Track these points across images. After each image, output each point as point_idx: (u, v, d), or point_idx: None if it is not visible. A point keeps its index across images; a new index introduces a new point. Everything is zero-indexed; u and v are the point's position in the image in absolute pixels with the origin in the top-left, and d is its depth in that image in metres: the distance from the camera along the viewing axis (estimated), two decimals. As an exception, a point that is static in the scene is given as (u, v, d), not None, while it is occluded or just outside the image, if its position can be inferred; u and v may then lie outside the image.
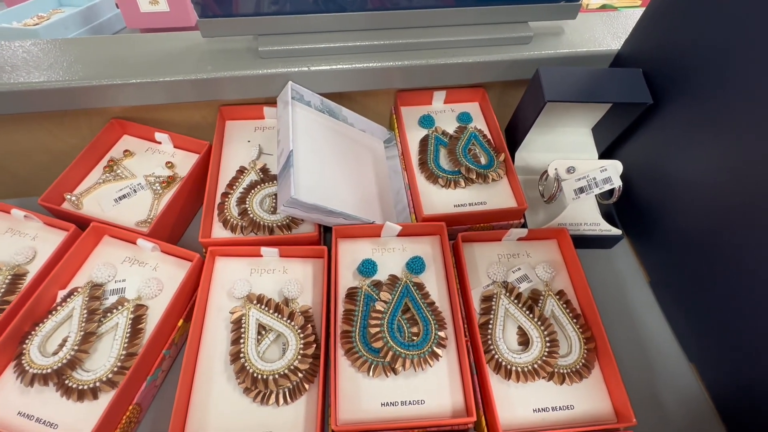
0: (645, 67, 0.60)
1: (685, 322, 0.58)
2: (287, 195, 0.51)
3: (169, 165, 0.65)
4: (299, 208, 0.53)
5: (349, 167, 0.64)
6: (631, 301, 0.62)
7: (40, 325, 0.49)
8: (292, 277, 0.55)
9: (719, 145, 0.52)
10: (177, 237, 0.65)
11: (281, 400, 0.47)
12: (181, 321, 0.53)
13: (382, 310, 0.51)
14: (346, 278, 0.55)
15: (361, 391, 0.47)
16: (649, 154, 0.63)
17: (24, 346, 0.48)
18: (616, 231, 0.63)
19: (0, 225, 0.57)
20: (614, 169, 0.59)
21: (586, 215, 0.62)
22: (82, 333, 0.48)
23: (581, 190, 0.58)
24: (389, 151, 0.73)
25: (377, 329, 0.50)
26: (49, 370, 0.46)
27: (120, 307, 0.51)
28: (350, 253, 0.57)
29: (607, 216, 0.65)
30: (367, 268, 0.55)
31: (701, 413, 0.53)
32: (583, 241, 0.63)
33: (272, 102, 0.67)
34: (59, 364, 0.46)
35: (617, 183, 0.59)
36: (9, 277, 0.52)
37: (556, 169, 0.60)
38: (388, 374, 0.48)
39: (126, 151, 0.66)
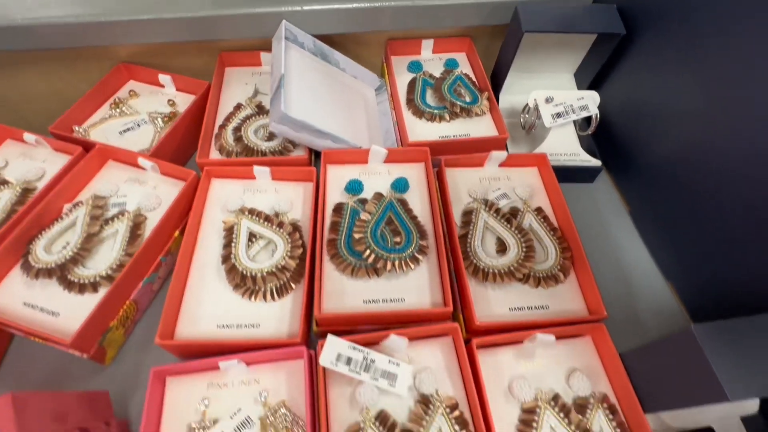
0: (620, 4, 0.63)
1: (661, 246, 0.60)
2: (278, 112, 0.54)
3: (171, 103, 0.68)
4: (289, 126, 0.56)
5: (340, 104, 0.67)
6: (612, 229, 0.64)
7: (46, 230, 0.52)
8: (283, 197, 0.58)
9: (692, 75, 0.54)
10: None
11: (269, 297, 0.50)
12: (177, 233, 0.56)
13: (366, 219, 0.54)
14: (334, 196, 0.57)
15: (345, 290, 0.50)
16: (626, 89, 0.65)
17: (30, 245, 0.51)
18: (595, 162, 0.65)
19: (12, 150, 0.61)
20: (591, 98, 0.62)
21: (565, 146, 0.64)
22: (84, 235, 0.51)
23: (558, 115, 0.61)
24: (380, 97, 0.76)
25: (361, 235, 0.52)
26: (53, 265, 0.49)
27: (121, 217, 0.54)
28: (338, 177, 0.59)
29: (589, 152, 0.67)
30: (353, 186, 0.57)
31: (674, 317, 0.56)
32: (564, 173, 0.65)
33: (268, 47, 0.71)
34: (62, 260, 0.49)
35: (594, 111, 0.61)
36: (19, 190, 0.56)
37: (535, 99, 0.62)
38: (371, 275, 0.51)
39: (131, 91, 0.70)
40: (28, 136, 0.60)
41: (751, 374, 0.33)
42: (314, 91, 0.64)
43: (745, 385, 0.32)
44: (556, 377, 0.46)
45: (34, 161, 0.60)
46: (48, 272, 0.49)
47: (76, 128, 0.64)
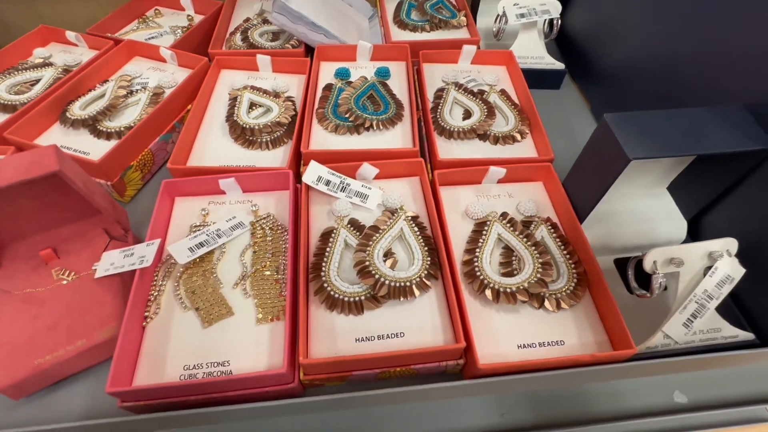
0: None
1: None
2: (278, 2, 0.63)
3: (190, 18, 0.78)
4: (287, 16, 0.64)
5: (336, 18, 0.75)
6: (574, 122, 0.69)
7: (82, 96, 0.61)
8: (280, 83, 0.66)
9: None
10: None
11: (264, 146, 0.57)
12: (190, 106, 0.64)
13: (351, 92, 0.61)
14: (324, 81, 0.65)
15: (328, 144, 0.57)
16: (587, 4, 0.72)
17: (68, 106, 0.59)
18: (559, 65, 0.71)
19: (54, 47, 0.71)
20: (553, 4, 0.69)
21: (531, 49, 0.71)
22: (112, 97, 0.60)
23: (522, 15, 0.68)
24: (372, 24, 0.84)
25: (344, 101, 0.59)
26: (86, 117, 0.57)
27: (143, 90, 0.63)
28: (329, 70, 0.67)
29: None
30: (342, 71, 0.65)
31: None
32: (533, 78, 0.70)
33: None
34: (94, 113, 0.58)
35: (555, 15, 0.68)
36: (60, 70, 0.65)
37: (503, 6, 0.70)
38: (352, 133, 0.58)
39: (156, 10, 0.80)
40: (70, 34, 0.69)
41: (648, 140, 0.39)
42: (313, 6, 0.73)
43: (642, 147, 0.38)
44: (508, 207, 0.51)
45: (74, 55, 0.69)
46: (82, 122, 0.57)
47: (109, 35, 0.73)
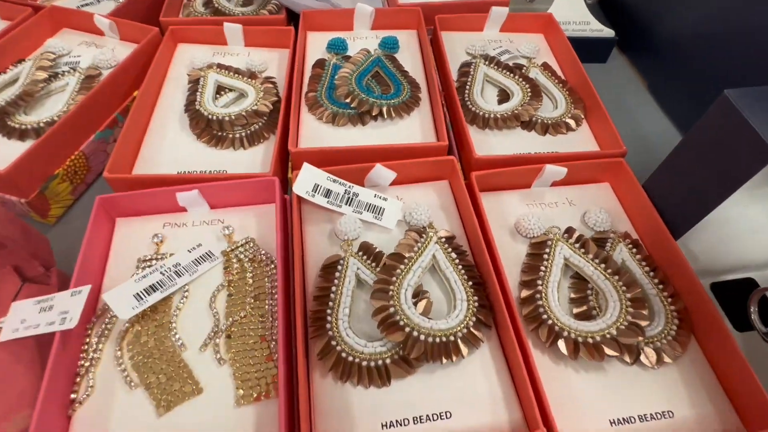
0: None
1: (684, 115, 0.57)
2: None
3: (136, -20, 0.66)
4: (263, -28, 0.53)
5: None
6: (630, 103, 0.61)
7: (-13, 82, 0.49)
8: (256, 58, 0.55)
9: None
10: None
11: (237, 144, 0.46)
12: (136, 92, 0.52)
13: (350, 70, 0.51)
14: (313, 57, 0.55)
15: (324, 140, 0.47)
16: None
17: (-33, 95, 0.48)
18: (608, 31, 0.62)
19: (-45, 19, 0.59)
20: (601, -44, 0.59)
21: (574, 13, 0.62)
22: (28, 82, 0.48)
23: (564, -31, 0.58)
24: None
25: (343, 84, 0.49)
26: (-8, 111, 0.46)
27: (72, 71, 0.51)
28: (319, 43, 0.57)
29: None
30: (336, 43, 0.54)
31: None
32: (575, 48, 0.62)
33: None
34: (2, 103, 0.46)
35: (603, -32, 0.59)
36: (-42, 48, 0.53)
37: (539, -41, 0.60)
38: (355, 125, 0.48)
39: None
40: (-28, -1, 0.57)
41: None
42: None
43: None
44: (571, 220, 0.42)
45: (-21, 26, 0.57)
46: (-16, 117, 0.46)
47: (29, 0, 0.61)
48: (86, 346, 0.34)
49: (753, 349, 0.37)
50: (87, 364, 0.33)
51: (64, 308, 0.33)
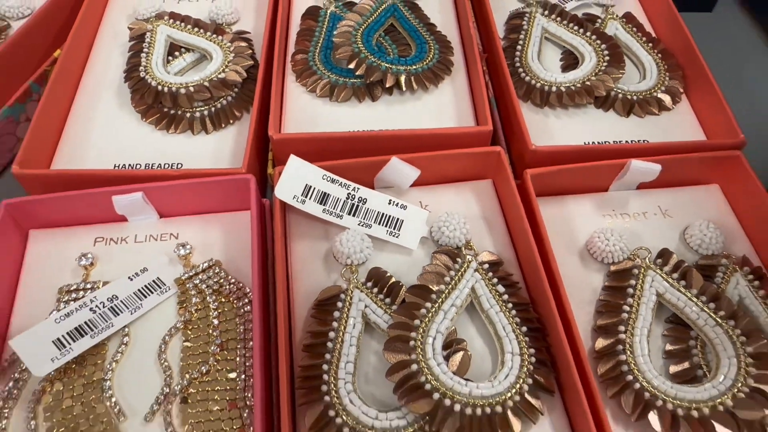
0: None
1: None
2: None
3: None
4: None
5: None
6: (748, 67, 0.61)
7: None
8: (223, 5, 0.55)
9: None
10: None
11: (197, 126, 0.47)
12: (58, 52, 0.53)
13: (355, 22, 0.51)
14: (304, 5, 0.55)
15: (318, 122, 0.47)
16: None
17: None
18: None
19: None
20: None
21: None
22: None
23: None
24: None
25: (343, 39, 0.49)
26: None
27: (-31, 24, 0.52)
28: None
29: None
30: (334, -17, 0.55)
31: None
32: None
33: None
34: None
35: None
36: None
37: None
38: (361, 99, 0.48)
39: None
40: None
41: None
42: None
43: None
44: (664, 237, 0.43)
45: None
46: None
47: None
48: (-16, 413, 0.34)
49: None
50: (-13, 436, 0.33)
51: (-44, 359, 0.33)
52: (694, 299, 0.38)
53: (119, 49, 0.53)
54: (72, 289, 0.39)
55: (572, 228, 0.43)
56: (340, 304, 0.37)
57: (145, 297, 0.38)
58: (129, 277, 0.39)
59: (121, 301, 0.38)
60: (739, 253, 0.42)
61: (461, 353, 0.35)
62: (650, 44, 0.52)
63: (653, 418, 0.34)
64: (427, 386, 0.33)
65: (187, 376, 0.35)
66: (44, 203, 0.41)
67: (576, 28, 0.53)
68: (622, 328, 0.37)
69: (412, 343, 0.35)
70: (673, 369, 0.37)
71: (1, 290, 0.39)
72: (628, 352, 0.36)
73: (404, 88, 0.48)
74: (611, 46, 0.51)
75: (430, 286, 0.37)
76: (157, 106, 0.47)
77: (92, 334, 0.36)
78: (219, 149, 0.47)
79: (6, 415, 0.34)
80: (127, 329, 0.38)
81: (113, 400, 0.35)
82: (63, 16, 0.54)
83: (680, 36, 0.52)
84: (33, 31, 0.52)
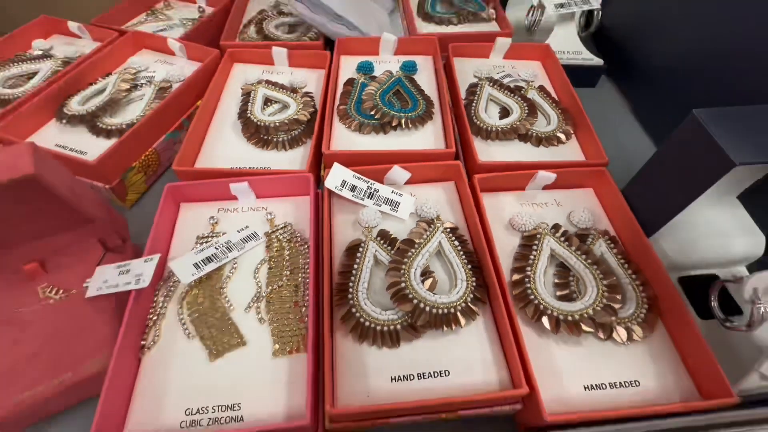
0: None
1: (660, 133, 0.57)
2: (297, -13, 0.54)
3: (201, 10, 0.69)
4: (307, 5, 0.55)
5: (357, 12, 0.66)
6: (614, 121, 0.60)
7: (81, 91, 0.52)
8: (298, 77, 0.57)
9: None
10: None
11: (280, 147, 0.48)
12: (199, 102, 0.55)
13: (375, 88, 0.52)
14: (345, 77, 0.56)
15: (352, 144, 0.48)
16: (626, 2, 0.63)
17: (66, 101, 0.51)
18: (597, 60, 0.62)
19: (57, 40, 0.62)
20: (594, -5, 0.59)
21: (568, 44, 0.62)
22: (114, 90, 0.51)
23: (561, 5, 0.58)
24: (393, 20, 0.75)
25: (369, 99, 0.50)
26: (84, 113, 0.49)
27: (148, 84, 0.54)
28: (350, 65, 0.58)
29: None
30: (365, 65, 0.56)
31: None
32: (568, 75, 0.62)
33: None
34: (93, 109, 0.49)
35: (596, 6, 0.59)
36: (60, 63, 0.56)
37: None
38: (378, 133, 0.49)
39: (166, 2, 0.71)
40: (72, 24, 0.61)
41: (753, 141, 0.29)
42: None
43: (749, 149, 0.29)
44: (557, 218, 0.42)
45: (76, 47, 0.60)
46: (80, 118, 0.49)
47: (114, 27, 0.64)
48: (154, 304, 0.36)
49: (713, 334, 0.37)
50: (154, 318, 0.35)
51: (138, 271, 0.35)
52: (573, 253, 0.38)
53: (235, 101, 0.53)
54: (204, 236, 0.40)
55: (501, 211, 0.43)
56: (360, 249, 0.38)
57: (247, 242, 0.39)
58: (237, 231, 0.40)
59: (233, 243, 0.39)
60: (603, 229, 0.41)
61: (431, 279, 0.36)
62: (554, 104, 0.52)
63: (545, 320, 0.34)
64: (410, 296, 0.34)
65: (270, 287, 0.37)
66: (190, 187, 0.42)
67: (509, 93, 0.52)
68: (528, 269, 0.37)
69: (402, 271, 0.35)
70: (558, 293, 0.37)
71: (165, 236, 0.40)
72: (531, 283, 0.36)
73: (404, 127, 0.48)
74: (530, 104, 0.50)
75: (414, 240, 0.38)
76: (257, 134, 0.48)
77: (215, 261, 0.37)
78: (292, 160, 0.47)
79: (165, 306, 0.36)
80: (235, 260, 0.39)
81: (226, 298, 0.36)
82: (202, 81, 0.54)
83: (572, 100, 0.51)
84: (185, 89, 0.53)
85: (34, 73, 0.55)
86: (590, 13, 0.63)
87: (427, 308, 0.33)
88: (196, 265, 0.37)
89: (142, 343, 0.34)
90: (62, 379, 0.33)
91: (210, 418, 0.30)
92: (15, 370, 0.34)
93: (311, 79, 0.57)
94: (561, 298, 0.36)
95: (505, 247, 0.40)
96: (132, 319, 0.33)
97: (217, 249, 0.38)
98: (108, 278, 0.36)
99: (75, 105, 0.50)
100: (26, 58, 0.56)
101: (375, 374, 0.32)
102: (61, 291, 0.38)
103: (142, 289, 0.34)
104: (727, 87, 0.46)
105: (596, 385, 0.32)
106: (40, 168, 0.30)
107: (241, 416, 0.31)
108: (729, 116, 0.31)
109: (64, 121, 0.49)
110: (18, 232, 0.38)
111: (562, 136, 0.48)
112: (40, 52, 0.58)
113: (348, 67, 0.58)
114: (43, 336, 0.35)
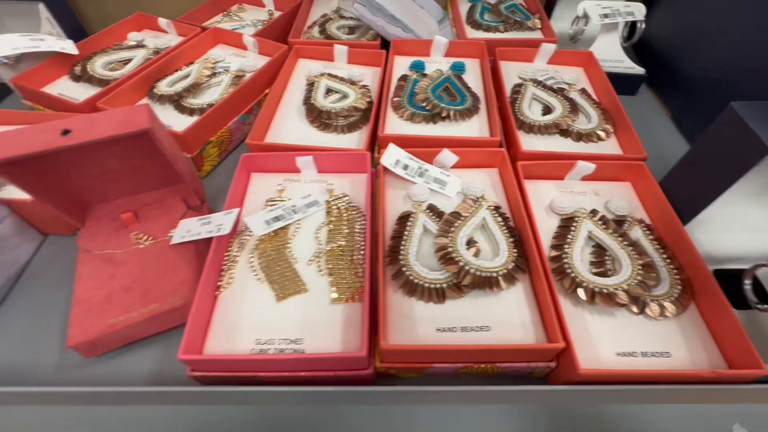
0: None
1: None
2: (361, -8, 0.59)
3: (270, 13, 0.76)
4: (368, 7, 0.60)
5: (411, 17, 0.71)
6: (654, 129, 0.62)
7: (168, 75, 0.59)
8: (355, 72, 0.62)
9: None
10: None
11: (340, 130, 0.53)
12: (268, 90, 0.61)
13: (427, 83, 0.56)
14: (398, 74, 0.60)
15: (404, 132, 0.52)
16: (671, 12, 0.65)
17: (156, 83, 0.58)
18: (639, 69, 0.64)
19: (147, 33, 0.70)
20: (638, 8, 0.62)
21: (610, 53, 0.64)
22: (197, 76, 0.58)
23: (606, 15, 0.61)
24: (442, 29, 0.79)
25: (421, 91, 0.55)
26: (172, 93, 0.55)
27: (225, 72, 0.60)
28: (403, 65, 0.63)
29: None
30: (417, 64, 0.60)
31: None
32: (610, 81, 0.65)
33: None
34: (179, 90, 0.56)
35: (639, 18, 0.61)
36: (152, 51, 0.63)
37: (584, 7, 0.63)
38: (428, 122, 0.53)
39: (240, 6, 0.78)
40: (162, 20, 0.68)
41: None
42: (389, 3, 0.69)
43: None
44: (595, 206, 0.44)
45: (164, 39, 0.68)
46: (168, 98, 0.55)
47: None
48: (227, 253, 0.41)
49: (744, 322, 0.38)
50: (228, 264, 0.40)
51: (219, 222, 0.40)
52: (610, 235, 0.40)
53: (298, 90, 0.58)
54: (272, 200, 0.45)
55: (541, 196, 0.45)
56: (411, 218, 0.42)
57: (309, 208, 0.44)
58: (301, 197, 0.45)
59: (297, 207, 0.43)
60: (638, 217, 0.43)
61: (475, 248, 0.39)
62: (595, 105, 0.54)
63: (580, 291, 0.36)
64: (457, 258, 0.37)
65: (330, 246, 0.41)
66: (260, 158, 0.47)
67: (551, 92, 0.55)
68: (566, 246, 0.40)
69: (449, 237, 0.39)
70: (594, 270, 0.38)
71: (238, 198, 0.45)
72: (569, 257, 0.39)
73: (452, 118, 0.52)
74: (571, 103, 0.53)
75: (461, 213, 0.42)
76: (319, 118, 0.53)
77: (282, 221, 0.42)
78: (349, 142, 0.51)
79: (238, 254, 0.40)
80: (299, 222, 0.43)
81: (291, 252, 0.40)
82: (272, 72, 0.60)
83: (613, 102, 0.53)
84: (257, 78, 0.58)
85: (129, 60, 0.62)
86: (633, 24, 0.65)
87: (472, 270, 0.36)
88: (267, 222, 0.41)
89: (218, 283, 0.39)
90: (150, 308, 0.38)
91: (276, 348, 0.34)
92: (111, 298, 0.39)
93: (367, 75, 0.62)
94: (596, 275, 0.38)
95: (544, 228, 0.42)
96: (212, 262, 0.38)
97: (284, 211, 0.43)
98: (191, 228, 0.41)
99: (164, 87, 0.57)
100: (123, 47, 0.64)
101: (422, 324, 0.35)
102: (150, 238, 0.43)
103: (220, 237, 0.39)
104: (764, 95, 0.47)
105: (628, 352, 0.34)
106: (153, 125, 0.36)
107: (303, 350, 0.34)
108: (765, 108, 0.33)
109: (154, 100, 0.55)
110: (119, 187, 0.44)
111: (602, 134, 0.51)
112: (134, 43, 0.66)
113: (400, 65, 0.62)
114: (134, 273, 0.41)
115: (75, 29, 0.69)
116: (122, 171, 0.43)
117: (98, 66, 0.60)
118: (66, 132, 0.35)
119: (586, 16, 0.63)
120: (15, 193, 0.45)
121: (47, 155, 0.35)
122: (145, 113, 0.36)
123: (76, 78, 0.60)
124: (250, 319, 0.36)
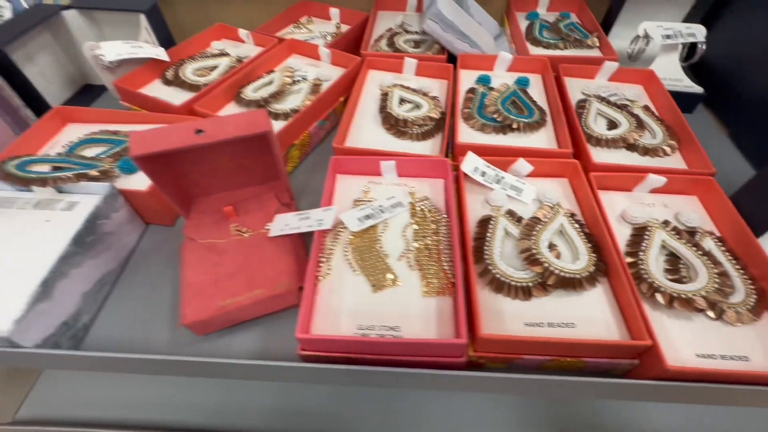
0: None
1: (759, 158, 0.59)
2: (434, 9, 0.63)
3: (337, 26, 0.81)
4: (440, 24, 0.64)
5: (474, 34, 0.75)
6: (712, 146, 0.62)
7: (252, 82, 0.64)
8: (424, 84, 0.65)
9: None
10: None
11: (414, 138, 0.56)
12: (342, 98, 0.65)
13: (495, 96, 0.59)
14: (465, 87, 0.64)
15: (474, 139, 0.55)
16: (729, 33, 0.67)
17: (242, 89, 0.62)
18: (697, 88, 0.66)
19: (226, 43, 0.75)
20: (698, 29, 0.64)
21: (670, 72, 0.66)
22: (280, 83, 0.62)
23: (668, 36, 0.63)
24: (498, 43, 0.83)
25: (490, 103, 0.58)
26: (258, 99, 0.60)
27: (304, 80, 0.65)
28: (469, 78, 0.66)
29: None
30: (483, 78, 0.64)
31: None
32: (666, 100, 0.67)
33: (414, -5, 0.82)
34: (265, 96, 0.60)
35: (700, 39, 0.63)
36: (235, 59, 0.69)
37: (645, 28, 0.66)
38: (498, 133, 0.56)
39: (308, 18, 0.83)
40: (242, 31, 0.74)
41: None
42: (458, 12, 0.72)
43: None
44: (665, 216, 0.46)
45: (242, 49, 0.73)
46: (255, 103, 0.60)
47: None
48: (323, 246, 0.44)
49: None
50: (324, 257, 0.43)
51: (319, 218, 0.44)
52: (684, 244, 0.43)
53: (371, 99, 0.62)
54: (359, 200, 0.48)
55: (611, 206, 0.47)
56: (492, 222, 0.44)
57: (395, 208, 0.47)
58: (386, 198, 0.48)
59: (384, 207, 0.46)
60: (708, 230, 0.45)
61: (555, 251, 0.42)
62: (659, 121, 0.56)
63: (658, 296, 0.38)
64: (541, 259, 0.40)
65: (417, 243, 0.44)
66: (346, 161, 0.50)
67: (616, 108, 0.57)
68: (641, 253, 0.42)
69: (533, 240, 0.42)
70: (669, 277, 0.40)
71: (328, 197, 0.47)
72: (644, 264, 0.41)
73: (521, 130, 0.55)
74: (637, 119, 0.55)
75: (540, 218, 0.45)
76: (395, 126, 0.56)
77: (372, 219, 0.45)
78: (424, 148, 0.54)
79: (333, 248, 0.44)
80: (387, 221, 0.46)
81: (381, 247, 0.44)
82: (346, 82, 0.64)
83: (677, 118, 0.55)
84: (333, 88, 0.61)
85: (215, 67, 0.67)
86: (693, 44, 0.67)
87: (557, 271, 0.39)
88: (359, 219, 0.45)
89: (317, 274, 0.42)
90: (255, 293, 0.42)
91: (377, 333, 0.38)
92: (217, 283, 0.43)
93: (434, 88, 0.66)
94: (671, 282, 0.40)
95: (617, 236, 0.44)
96: (315, 253, 0.42)
97: (373, 210, 0.46)
98: (289, 223, 0.45)
99: (250, 92, 0.61)
100: (208, 54, 0.70)
101: (511, 319, 0.38)
102: (249, 230, 0.47)
103: (318, 232, 0.43)
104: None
105: (708, 354, 0.36)
106: (271, 128, 0.40)
107: (401, 336, 0.37)
108: None
109: (242, 104, 0.60)
110: (223, 182, 0.49)
111: (668, 149, 0.53)
112: (217, 51, 0.71)
113: (466, 79, 0.65)
114: (237, 261, 0.45)
115: (164, 38, 0.74)
116: (230, 168, 0.47)
117: (189, 72, 0.66)
118: (199, 131, 0.39)
119: (647, 36, 0.66)
120: (126, 183, 0.50)
121: (179, 151, 0.39)
122: (264, 117, 0.40)
123: (168, 82, 0.65)
124: (350, 307, 0.40)
